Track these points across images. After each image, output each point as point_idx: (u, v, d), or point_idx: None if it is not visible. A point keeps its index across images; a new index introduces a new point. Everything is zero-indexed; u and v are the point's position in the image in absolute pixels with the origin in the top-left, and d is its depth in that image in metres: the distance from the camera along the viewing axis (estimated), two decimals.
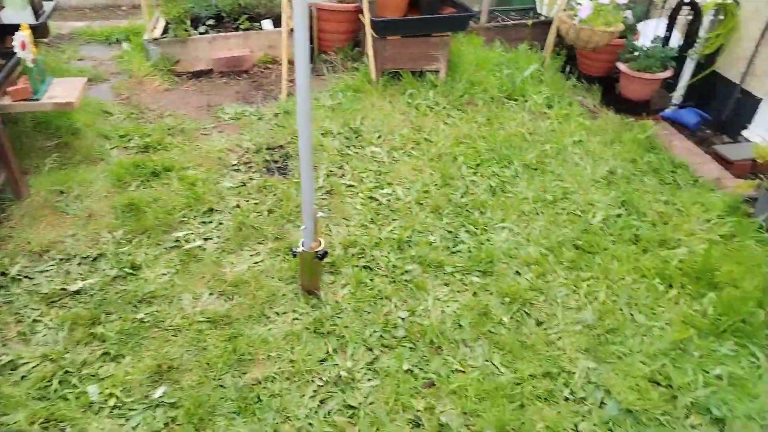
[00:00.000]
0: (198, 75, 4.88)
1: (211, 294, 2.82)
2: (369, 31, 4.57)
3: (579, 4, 4.82)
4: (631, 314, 2.85)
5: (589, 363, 2.59)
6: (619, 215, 3.49)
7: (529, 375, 2.52)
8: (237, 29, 5.02)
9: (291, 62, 4.85)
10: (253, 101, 4.54)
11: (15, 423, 2.20)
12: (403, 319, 2.76)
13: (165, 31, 4.89)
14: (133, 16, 6.14)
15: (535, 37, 5.45)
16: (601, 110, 4.77)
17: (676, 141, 4.56)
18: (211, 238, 3.13)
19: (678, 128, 4.79)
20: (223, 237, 3.14)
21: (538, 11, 5.77)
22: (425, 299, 2.87)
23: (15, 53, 3.41)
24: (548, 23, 5.29)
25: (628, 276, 3.06)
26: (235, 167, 3.72)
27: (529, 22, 5.56)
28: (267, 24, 5.11)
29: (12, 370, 2.41)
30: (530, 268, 3.09)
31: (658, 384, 2.52)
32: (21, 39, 3.33)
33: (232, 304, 2.77)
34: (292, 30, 4.99)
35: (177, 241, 3.09)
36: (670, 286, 3.01)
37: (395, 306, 2.83)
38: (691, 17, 4.78)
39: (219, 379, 2.42)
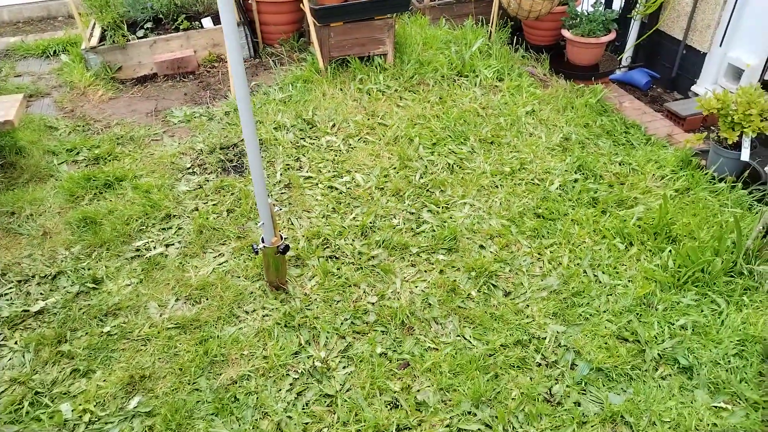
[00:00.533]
0: (143, 80, 4.76)
1: (177, 300, 2.78)
2: (311, 19, 4.52)
3: None
4: (595, 275, 2.92)
5: (558, 327, 2.65)
6: (576, 180, 3.56)
7: (501, 345, 2.56)
8: (177, 30, 4.91)
9: None
10: (202, 102, 4.46)
11: None
12: (372, 304, 2.77)
13: (102, 38, 4.75)
14: (69, 27, 5.93)
15: (480, 12, 5.47)
16: (551, 78, 4.83)
17: (626, 102, 4.66)
18: (172, 244, 3.08)
19: (629, 89, 4.90)
20: (184, 242, 3.10)
21: None
22: (393, 282, 2.89)
23: None
24: None
25: (589, 238, 3.13)
26: (190, 170, 3.65)
27: None
28: (207, 22, 5.01)
29: None
30: (494, 241, 3.13)
31: (626, 340, 2.60)
32: None
33: (200, 307, 2.74)
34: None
35: (137, 250, 3.04)
36: (631, 244, 3.10)
37: (364, 292, 2.84)
38: None
39: (194, 383, 2.40)
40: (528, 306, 2.76)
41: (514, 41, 5.25)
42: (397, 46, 4.80)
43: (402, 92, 4.45)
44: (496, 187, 3.53)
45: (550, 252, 3.06)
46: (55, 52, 5.18)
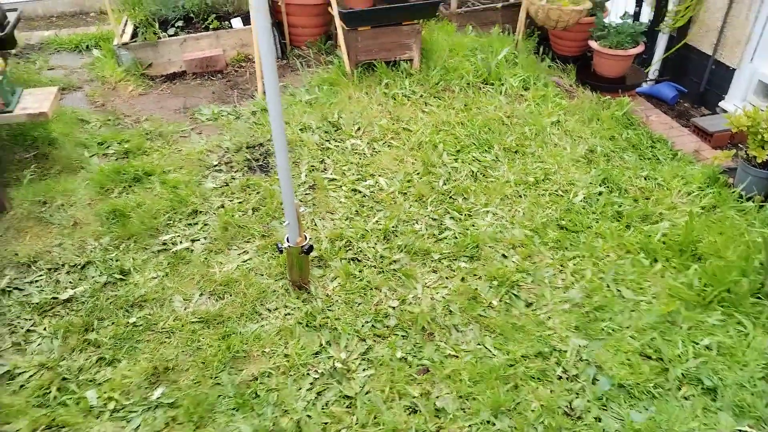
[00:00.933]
0: (172, 77, 4.83)
1: (201, 294, 2.82)
2: (339, 23, 4.56)
3: None
4: (618, 290, 2.90)
5: (580, 341, 2.64)
6: (600, 193, 3.55)
7: (522, 356, 2.56)
8: (207, 29, 4.98)
9: None
10: (229, 101, 4.51)
11: (17, 431, 2.20)
12: (393, 308, 2.79)
13: (134, 35, 4.83)
14: (101, 23, 6.04)
15: (507, 20, 5.48)
16: (577, 89, 4.81)
17: (653, 116, 4.63)
18: (198, 240, 3.13)
19: (655, 103, 4.87)
20: (209, 238, 3.14)
21: None
22: (414, 287, 2.90)
23: None
24: (518, 5, 5.32)
25: (613, 253, 3.12)
26: (217, 168, 3.70)
27: (499, 5, 5.60)
28: (237, 22, 5.07)
29: (10, 379, 2.41)
30: (516, 251, 3.13)
31: (649, 357, 2.58)
32: None
33: (224, 303, 2.77)
34: None
35: (164, 244, 3.08)
36: (655, 261, 3.07)
37: (385, 296, 2.85)
38: None
39: (216, 378, 2.43)
40: (550, 318, 2.76)
41: (541, 51, 5.25)
42: (423, 51, 4.82)
43: (427, 98, 4.47)
44: (520, 196, 3.53)
45: (573, 264, 3.05)
46: (87, 47, 5.28)
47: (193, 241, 3.12)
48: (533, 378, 2.48)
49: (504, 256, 3.10)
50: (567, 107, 4.45)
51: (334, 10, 4.50)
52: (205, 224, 3.23)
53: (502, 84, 4.65)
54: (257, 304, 2.77)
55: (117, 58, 4.76)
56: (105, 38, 5.30)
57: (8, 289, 2.80)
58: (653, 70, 5.18)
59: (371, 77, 4.64)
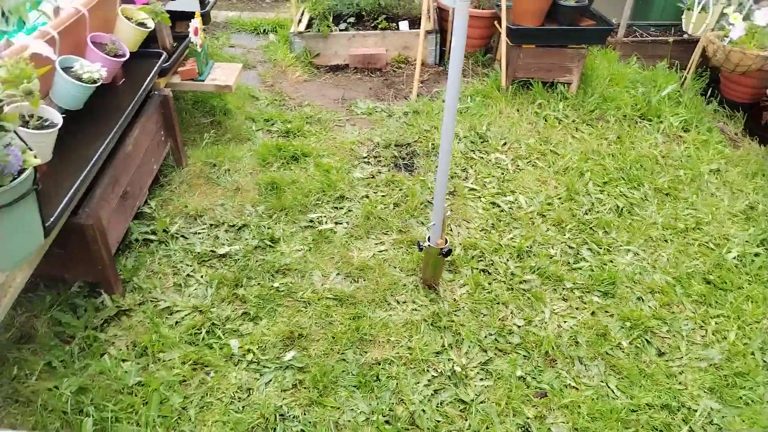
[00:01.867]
0: (335, 69, 5.15)
1: (338, 274, 3.01)
2: (504, 38, 4.60)
3: (731, 24, 4.56)
4: (765, 361, 2.69)
5: (713, 403, 2.49)
6: (757, 254, 3.29)
7: (646, 404, 2.46)
8: (375, 28, 5.24)
9: (423, 64, 5.00)
10: (384, 98, 4.72)
11: (170, 360, 2.50)
12: (519, 326, 2.79)
13: (309, 25, 5.21)
14: (276, 9, 6.57)
15: (677, 56, 5.21)
16: (743, 139, 4.48)
17: None
18: (341, 223, 3.33)
19: None
20: (352, 223, 3.33)
21: (684, 29, 5.50)
22: (542, 311, 2.88)
23: (185, 37, 3.82)
24: (691, 42, 5.05)
25: (764, 320, 2.89)
26: (366, 160, 3.91)
27: (670, 39, 5.33)
28: (404, 25, 5.29)
29: (169, 314, 2.74)
30: (654, 296, 3.00)
31: None
32: (194, 25, 3.73)
33: (357, 286, 2.94)
34: (427, 32, 5.12)
35: (311, 221, 3.32)
36: None
37: (511, 313, 2.87)
38: None
39: (342, 354, 2.60)
40: (682, 372, 2.62)
41: (708, 93, 4.94)
42: (582, 77, 4.73)
43: (579, 124, 4.38)
44: (666, 241, 3.37)
45: (716, 323, 2.87)
46: (264, 30, 5.78)
47: (336, 223, 3.33)
48: (656, 429, 2.38)
49: (640, 298, 2.98)
50: (729, 157, 4.17)
51: (503, 25, 4.56)
52: (350, 210, 3.43)
53: (661, 122, 4.45)
54: (388, 294, 2.90)
55: (290, 45, 5.17)
56: (281, 25, 5.77)
57: (176, 235, 3.17)
58: None
59: (525, 95, 4.64)
